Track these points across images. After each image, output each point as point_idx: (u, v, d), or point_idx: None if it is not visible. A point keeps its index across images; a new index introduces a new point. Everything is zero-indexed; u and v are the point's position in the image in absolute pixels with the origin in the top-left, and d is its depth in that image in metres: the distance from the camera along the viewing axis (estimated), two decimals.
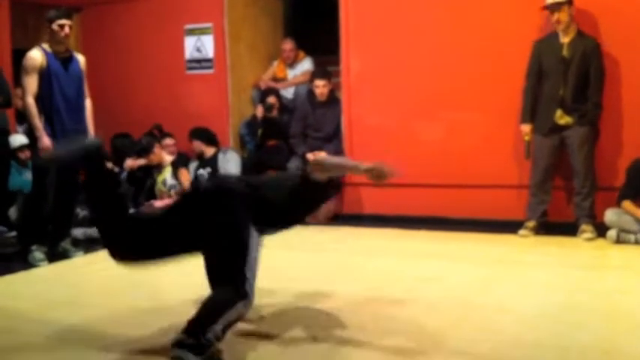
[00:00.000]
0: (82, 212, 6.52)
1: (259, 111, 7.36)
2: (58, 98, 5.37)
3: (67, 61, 5.48)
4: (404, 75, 6.66)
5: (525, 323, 3.68)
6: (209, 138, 7.17)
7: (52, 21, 5.37)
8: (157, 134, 7.57)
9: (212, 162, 7.10)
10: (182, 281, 4.99)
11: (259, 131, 7.42)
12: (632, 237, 5.46)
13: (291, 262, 5.12)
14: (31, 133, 5.43)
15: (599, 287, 4.36)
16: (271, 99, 7.32)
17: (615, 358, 3.15)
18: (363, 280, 4.66)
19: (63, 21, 5.37)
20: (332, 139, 7.02)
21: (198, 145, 7.19)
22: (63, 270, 5.29)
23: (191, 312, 4.06)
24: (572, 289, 4.30)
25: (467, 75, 6.39)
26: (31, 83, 5.29)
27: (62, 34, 5.38)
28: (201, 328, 2.98)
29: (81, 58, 5.65)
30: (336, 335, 3.57)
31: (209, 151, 7.16)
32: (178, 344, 2.96)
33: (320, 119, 7.09)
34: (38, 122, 5.30)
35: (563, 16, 5.69)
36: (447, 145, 6.51)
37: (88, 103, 5.67)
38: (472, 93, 6.38)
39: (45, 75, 5.32)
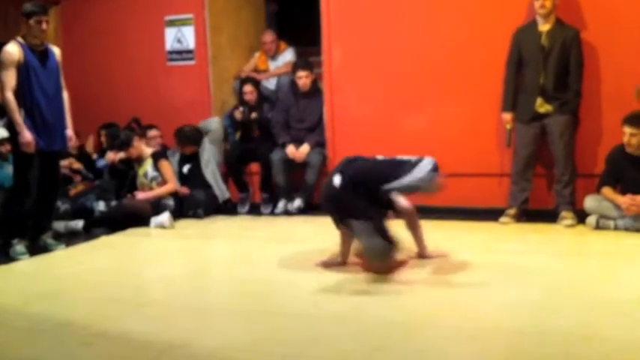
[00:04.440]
0: (62, 206, 6.49)
1: (238, 114, 7.31)
2: (37, 92, 5.32)
3: (44, 54, 5.42)
4: (385, 65, 6.66)
5: (507, 309, 3.72)
6: (192, 139, 7.18)
7: (29, 16, 5.31)
8: (136, 128, 7.54)
9: (193, 158, 7.13)
10: (165, 274, 5.02)
11: (237, 134, 7.43)
12: (611, 223, 5.52)
13: (277, 254, 5.11)
14: (11, 126, 5.38)
15: (580, 273, 4.41)
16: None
17: (595, 344, 3.17)
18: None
19: (40, 17, 5.32)
20: (314, 130, 7.02)
21: (184, 147, 7.22)
22: (44, 263, 5.27)
23: (174, 304, 4.10)
24: (552, 275, 4.34)
25: (449, 64, 6.40)
26: (10, 78, 5.23)
27: (39, 29, 5.33)
28: None
29: (57, 51, 5.59)
30: (320, 313, 3.62)
31: (191, 149, 7.17)
32: None
33: (303, 110, 7.08)
34: (18, 117, 5.24)
35: (548, 2, 5.71)
36: (429, 135, 6.52)
37: (65, 96, 5.62)
38: (454, 82, 6.40)
39: (22, 69, 5.25)
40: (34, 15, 5.30)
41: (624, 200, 5.44)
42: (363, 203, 4.42)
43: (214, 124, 7.29)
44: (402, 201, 4.62)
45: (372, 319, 3.65)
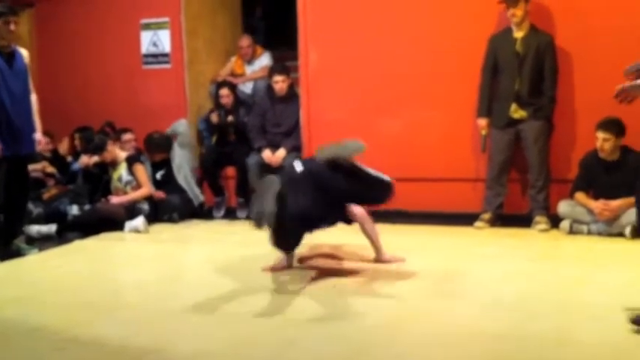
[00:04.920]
0: (36, 210, 6.41)
1: (214, 117, 7.29)
2: (3, 94, 5.23)
3: (11, 56, 5.34)
4: (362, 70, 6.68)
5: (484, 314, 3.73)
6: (161, 146, 7.16)
7: None
8: (110, 132, 7.48)
9: (165, 164, 7.10)
10: (139, 278, 4.97)
11: (214, 138, 7.41)
12: (584, 228, 5.57)
13: (252, 258, 5.09)
14: None
15: (554, 277, 4.44)
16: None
17: (570, 348, 3.20)
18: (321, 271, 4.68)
19: (9, 17, 5.25)
20: (291, 134, 7.00)
21: (153, 155, 7.21)
22: (17, 268, 5.20)
23: (149, 308, 4.06)
24: (527, 280, 4.37)
25: (425, 70, 6.43)
26: None
27: (7, 30, 5.26)
28: None
29: (24, 53, 5.51)
30: (299, 317, 3.60)
31: (161, 156, 7.15)
32: None
33: (279, 114, 7.06)
34: None
35: (518, 11, 5.78)
36: (405, 139, 6.55)
37: (33, 98, 5.54)
38: (430, 87, 6.43)
39: None
40: (2, 16, 5.24)
41: (597, 205, 5.50)
42: (313, 200, 4.40)
43: (181, 126, 7.26)
44: (355, 208, 4.74)
45: (352, 324, 3.65)
